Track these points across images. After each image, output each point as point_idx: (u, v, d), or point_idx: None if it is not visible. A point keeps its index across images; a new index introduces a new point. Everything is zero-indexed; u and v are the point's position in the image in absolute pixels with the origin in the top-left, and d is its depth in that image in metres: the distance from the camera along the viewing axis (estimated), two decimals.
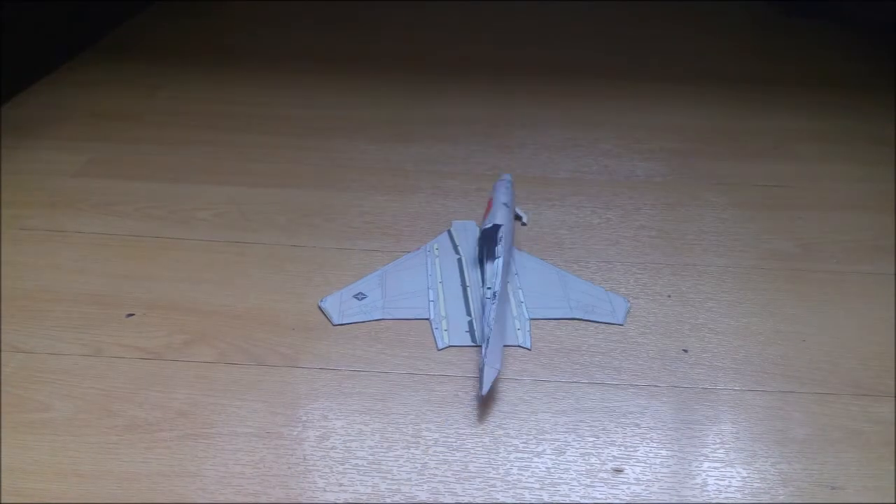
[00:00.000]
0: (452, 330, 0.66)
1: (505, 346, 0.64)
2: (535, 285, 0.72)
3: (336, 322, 0.66)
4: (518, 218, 0.82)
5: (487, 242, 0.72)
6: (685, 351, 0.65)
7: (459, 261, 0.74)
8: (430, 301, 0.69)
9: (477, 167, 0.94)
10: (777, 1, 1.56)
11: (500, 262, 0.69)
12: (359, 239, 0.79)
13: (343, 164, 0.94)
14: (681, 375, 0.62)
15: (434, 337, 0.65)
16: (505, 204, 0.77)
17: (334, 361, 0.63)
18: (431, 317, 0.67)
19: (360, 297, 0.69)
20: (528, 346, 0.65)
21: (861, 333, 0.67)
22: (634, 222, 0.83)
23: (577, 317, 0.68)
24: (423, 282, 0.71)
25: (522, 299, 0.70)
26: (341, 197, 0.87)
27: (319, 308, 0.68)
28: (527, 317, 0.68)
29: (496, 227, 0.72)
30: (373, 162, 0.95)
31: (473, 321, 0.67)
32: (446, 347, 0.64)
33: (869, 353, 0.65)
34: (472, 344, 0.65)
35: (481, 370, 0.59)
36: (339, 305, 0.68)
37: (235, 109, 1.08)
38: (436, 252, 0.75)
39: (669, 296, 0.71)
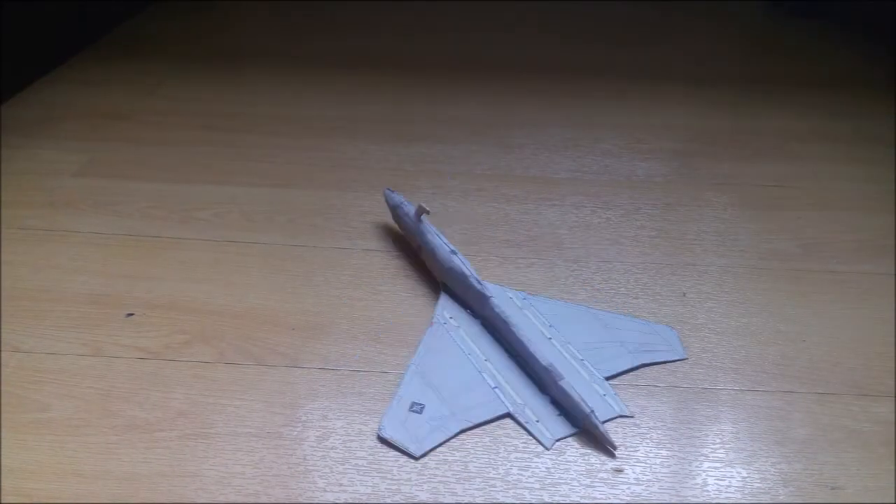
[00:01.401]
0: (544, 420, 0.58)
1: (604, 421, 0.57)
2: (578, 334, 0.65)
3: (419, 454, 0.54)
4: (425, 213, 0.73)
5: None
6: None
7: (483, 325, 0.66)
8: (493, 389, 0.60)
9: (477, 167, 0.94)
10: (778, 0, 1.56)
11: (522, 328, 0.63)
12: (359, 239, 0.79)
13: (343, 163, 0.94)
14: (681, 375, 0.62)
15: (534, 437, 0.56)
16: (454, 252, 0.69)
17: (334, 361, 0.63)
18: (511, 410, 0.58)
19: (416, 408, 0.58)
20: (628, 413, 0.58)
21: (861, 333, 0.67)
22: (634, 222, 0.83)
23: (645, 362, 0.63)
24: (468, 368, 0.62)
25: (581, 356, 0.63)
26: (341, 197, 0.87)
27: (384, 440, 0.55)
28: (600, 377, 0.61)
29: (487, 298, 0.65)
30: (373, 162, 0.95)
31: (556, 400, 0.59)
32: (555, 443, 0.56)
33: (869, 353, 0.65)
34: (576, 430, 0.57)
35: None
36: (403, 428, 0.56)
37: (235, 109, 1.08)
38: (452, 322, 0.66)
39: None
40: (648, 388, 0.61)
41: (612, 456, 0.55)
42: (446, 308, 0.67)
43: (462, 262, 0.68)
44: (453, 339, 0.64)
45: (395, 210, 0.77)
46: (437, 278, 0.71)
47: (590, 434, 0.56)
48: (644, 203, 0.87)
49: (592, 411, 0.56)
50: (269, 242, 0.78)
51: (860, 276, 0.75)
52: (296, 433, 0.56)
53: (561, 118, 1.08)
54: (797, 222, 0.84)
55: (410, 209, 0.75)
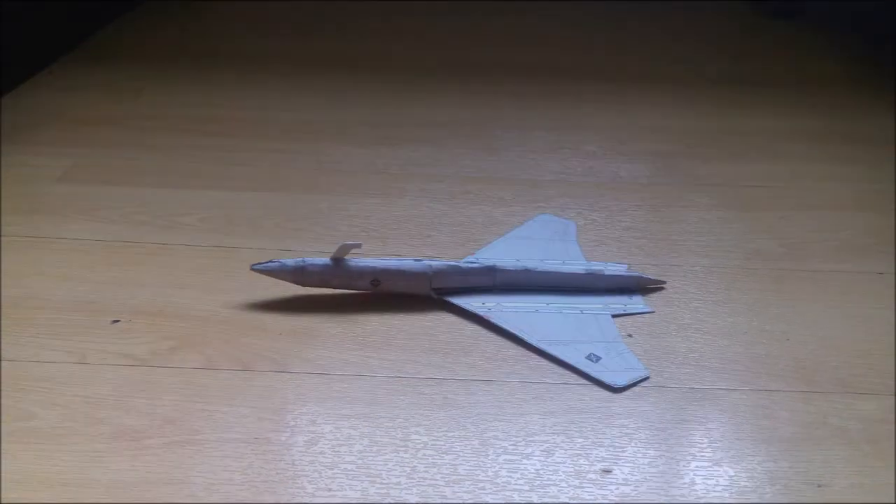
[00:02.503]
0: (627, 303, 0.69)
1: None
2: (532, 251, 0.75)
3: (647, 372, 0.62)
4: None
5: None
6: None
7: (499, 291, 0.69)
8: (584, 314, 0.67)
9: (463, 170, 0.94)
10: (764, 1, 1.55)
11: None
12: (345, 242, 0.79)
13: (329, 167, 0.94)
14: (668, 376, 0.63)
15: (640, 314, 0.69)
16: (419, 260, 0.70)
17: (322, 366, 0.63)
18: (610, 313, 0.68)
19: (593, 358, 0.62)
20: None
21: (845, 332, 0.68)
22: (619, 223, 0.84)
23: (573, 241, 0.78)
24: (554, 316, 0.67)
25: (559, 259, 0.74)
26: (328, 200, 0.87)
27: (623, 388, 0.61)
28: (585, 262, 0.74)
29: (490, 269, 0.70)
30: (359, 165, 0.95)
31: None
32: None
33: (854, 351, 0.66)
34: (641, 294, 0.71)
35: None
36: (613, 372, 0.62)
37: (220, 113, 1.07)
38: (490, 304, 0.68)
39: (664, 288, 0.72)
40: (638, 388, 0.61)
41: (662, 288, 0.72)
42: (468, 301, 0.69)
43: (441, 262, 0.70)
44: (512, 311, 0.67)
45: (300, 273, 0.67)
46: (419, 294, 0.69)
47: (644, 290, 0.71)
48: (629, 205, 0.88)
49: (640, 273, 0.71)
50: (256, 247, 0.77)
51: (843, 274, 0.76)
52: (284, 438, 0.56)
53: (546, 121, 1.08)
54: (781, 222, 0.85)
55: (320, 259, 0.68)
